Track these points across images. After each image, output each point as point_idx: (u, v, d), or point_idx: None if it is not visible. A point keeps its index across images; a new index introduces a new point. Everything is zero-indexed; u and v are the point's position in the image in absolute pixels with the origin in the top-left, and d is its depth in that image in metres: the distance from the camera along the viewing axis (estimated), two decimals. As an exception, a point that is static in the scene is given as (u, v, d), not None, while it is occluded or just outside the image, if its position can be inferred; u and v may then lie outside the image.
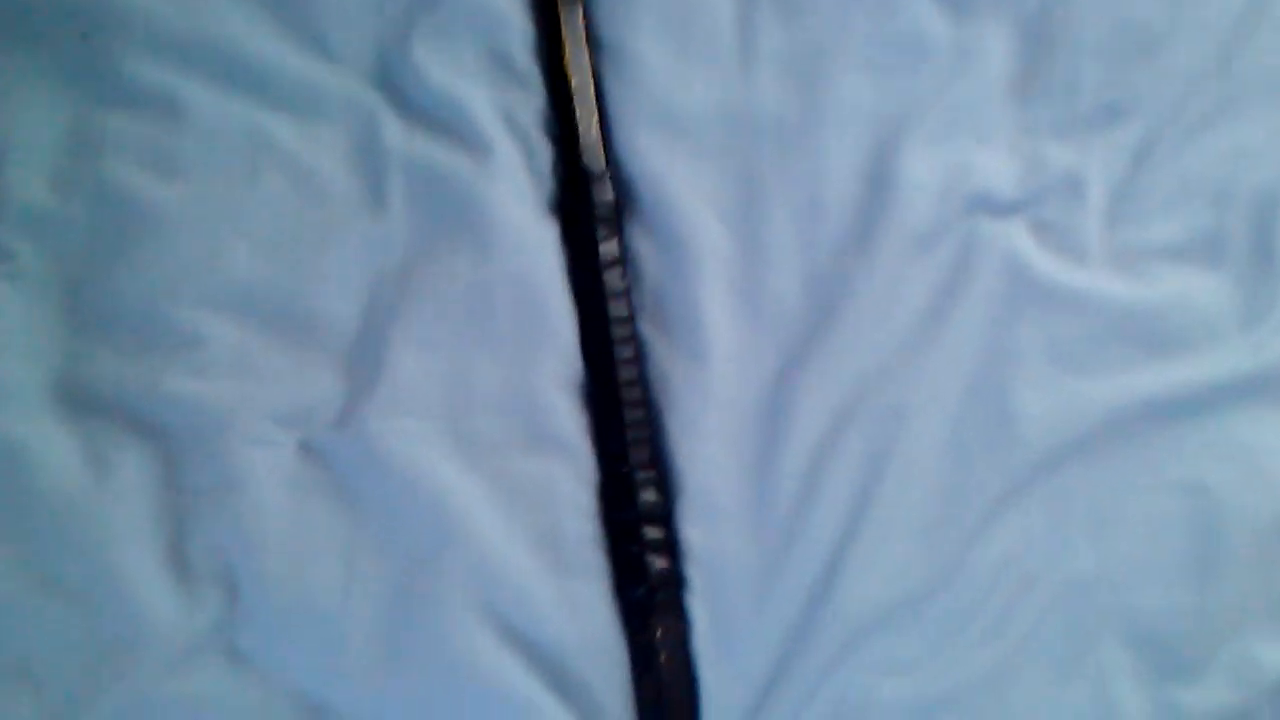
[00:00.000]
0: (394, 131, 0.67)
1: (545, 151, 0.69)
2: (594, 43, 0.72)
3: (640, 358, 0.67)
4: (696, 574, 0.64)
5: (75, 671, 0.56)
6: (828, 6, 0.73)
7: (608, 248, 0.68)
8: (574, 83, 0.70)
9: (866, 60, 0.73)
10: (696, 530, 0.64)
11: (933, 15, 0.74)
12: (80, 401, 0.60)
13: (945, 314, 0.68)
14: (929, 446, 0.66)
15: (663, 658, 0.62)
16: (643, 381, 0.66)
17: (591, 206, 0.68)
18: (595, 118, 0.70)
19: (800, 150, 0.70)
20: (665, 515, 0.65)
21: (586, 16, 0.72)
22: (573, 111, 0.70)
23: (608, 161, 0.69)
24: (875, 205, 0.69)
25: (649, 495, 0.64)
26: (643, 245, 0.69)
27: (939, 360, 0.67)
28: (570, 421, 0.65)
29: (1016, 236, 0.70)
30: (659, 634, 0.63)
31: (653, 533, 0.64)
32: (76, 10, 0.65)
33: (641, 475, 0.64)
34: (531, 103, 0.70)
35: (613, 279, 0.67)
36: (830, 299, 0.67)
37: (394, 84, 0.69)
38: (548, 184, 0.69)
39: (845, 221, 0.69)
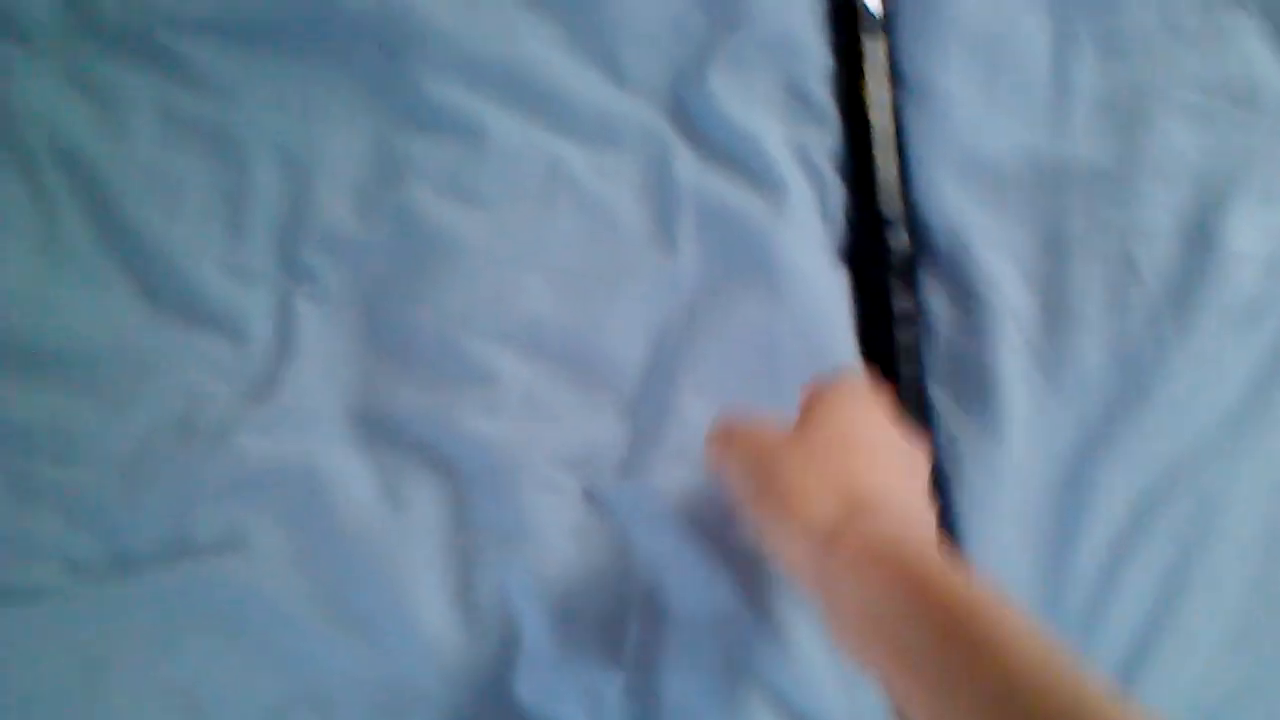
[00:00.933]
0: (686, 164, 0.65)
1: (839, 193, 0.66)
2: (896, 78, 0.68)
3: (928, 422, 0.63)
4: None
5: (365, 707, 0.57)
6: (1154, 46, 0.68)
7: (901, 301, 0.65)
8: (873, 121, 0.67)
9: (1192, 107, 0.67)
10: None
11: (1267, 59, 0.68)
12: (377, 429, 0.60)
13: (1269, 397, 0.62)
14: (1242, 543, 0.61)
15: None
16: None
17: (886, 255, 0.65)
18: (894, 159, 0.66)
19: (1114, 204, 0.65)
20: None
21: (890, 50, 0.68)
22: (870, 152, 0.66)
23: (905, 207, 0.66)
24: (1195, 270, 0.64)
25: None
26: (937, 301, 0.65)
27: (1258, 449, 0.62)
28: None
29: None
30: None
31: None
32: (379, 28, 0.65)
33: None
34: (826, 141, 0.67)
35: (904, 335, 0.64)
36: (1141, 372, 0.62)
37: (688, 114, 0.67)
38: (840, 228, 0.66)
39: (1161, 286, 0.64)
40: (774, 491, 0.47)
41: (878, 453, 0.49)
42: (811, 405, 0.51)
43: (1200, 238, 0.65)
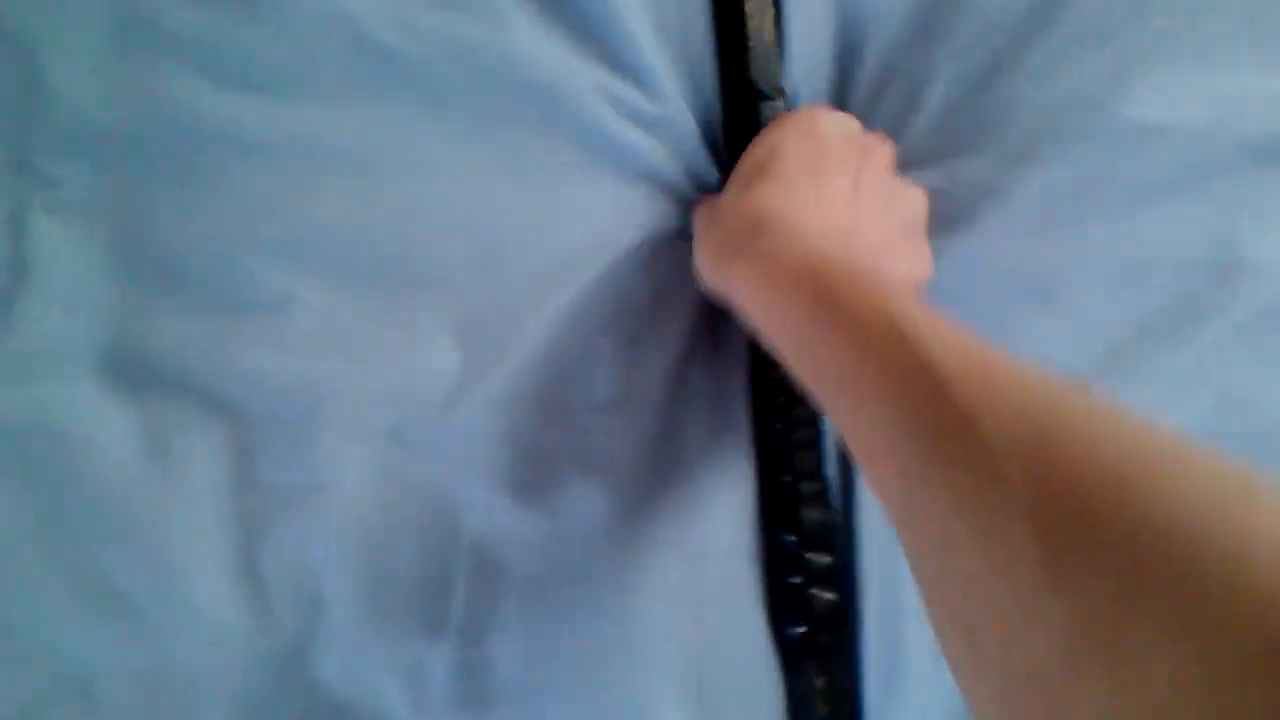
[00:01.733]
0: (520, 30, 0.53)
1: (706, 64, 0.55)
2: None
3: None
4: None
5: (137, 699, 0.48)
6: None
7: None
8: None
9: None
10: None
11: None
12: (136, 371, 0.49)
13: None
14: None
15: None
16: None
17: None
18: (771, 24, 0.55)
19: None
20: (829, 536, 0.54)
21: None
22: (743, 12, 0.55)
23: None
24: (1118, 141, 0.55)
25: (814, 513, 0.54)
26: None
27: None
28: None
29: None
30: (821, 683, 0.53)
31: (819, 559, 0.54)
32: None
33: (807, 488, 0.53)
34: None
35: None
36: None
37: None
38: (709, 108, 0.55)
39: (1076, 165, 0.55)
40: (704, 218, 0.49)
41: (802, 176, 0.47)
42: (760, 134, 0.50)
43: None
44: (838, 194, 0.47)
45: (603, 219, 0.54)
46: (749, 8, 0.54)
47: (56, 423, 0.48)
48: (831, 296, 0.39)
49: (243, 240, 0.50)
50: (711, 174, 0.55)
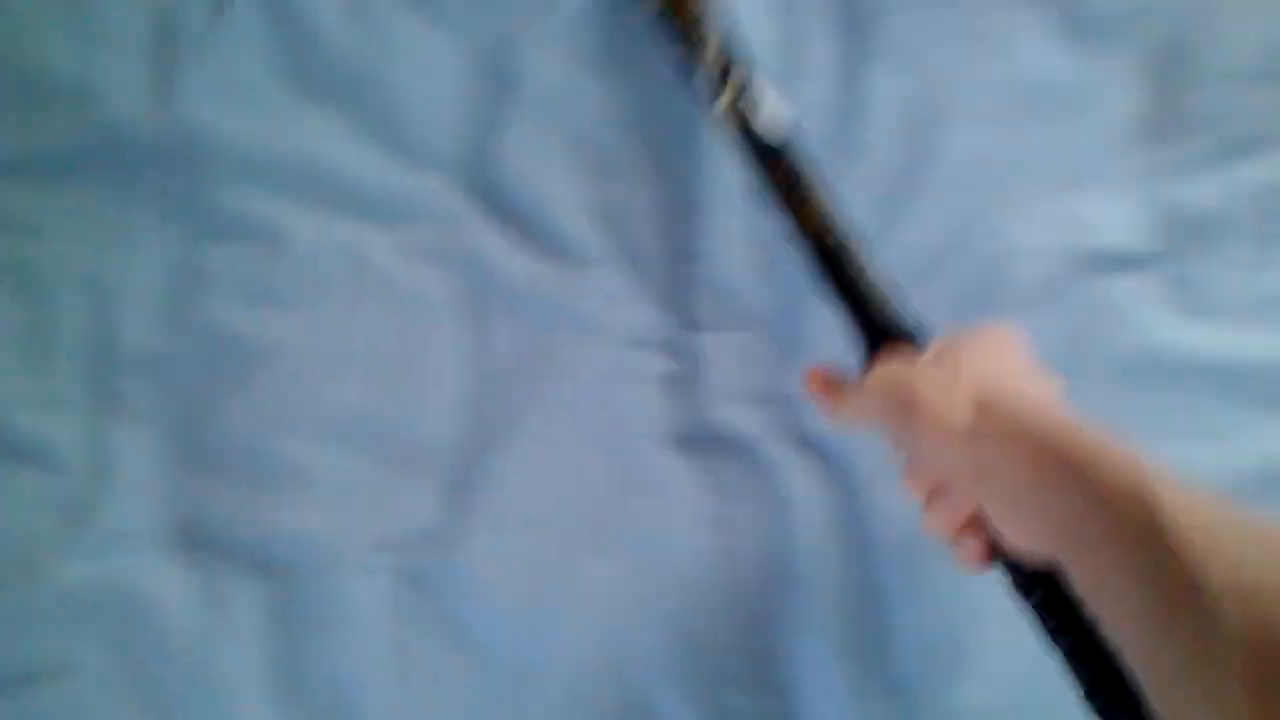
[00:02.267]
0: (486, 237, 0.67)
1: (651, 244, 0.67)
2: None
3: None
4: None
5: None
6: (940, 55, 0.68)
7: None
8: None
9: (980, 111, 0.68)
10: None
11: (1051, 54, 0.68)
12: (196, 539, 0.62)
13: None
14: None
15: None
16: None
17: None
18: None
19: (904, 223, 0.66)
20: None
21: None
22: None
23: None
24: (989, 265, 0.65)
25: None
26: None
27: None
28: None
29: (1145, 294, 0.64)
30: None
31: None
32: (172, 148, 0.67)
33: None
34: (634, 193, 0.68)
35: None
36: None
37: (483, 183, 0.68)
38: (656, 284, 0.67)
39: (957, 285, 0.65)
40: (915, 409, 0.49)
41: (1000, 360, 0.51)
42: (945, 342, 0.53)
43: (990, 233, 0.65)
44: (1018, 367, 0.51)
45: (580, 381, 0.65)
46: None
47: (132, 585, 0.60)
48: (1076, 459, 0.42)
49: (274, 426, 0.63)
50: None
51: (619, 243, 0.66)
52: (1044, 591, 0.49)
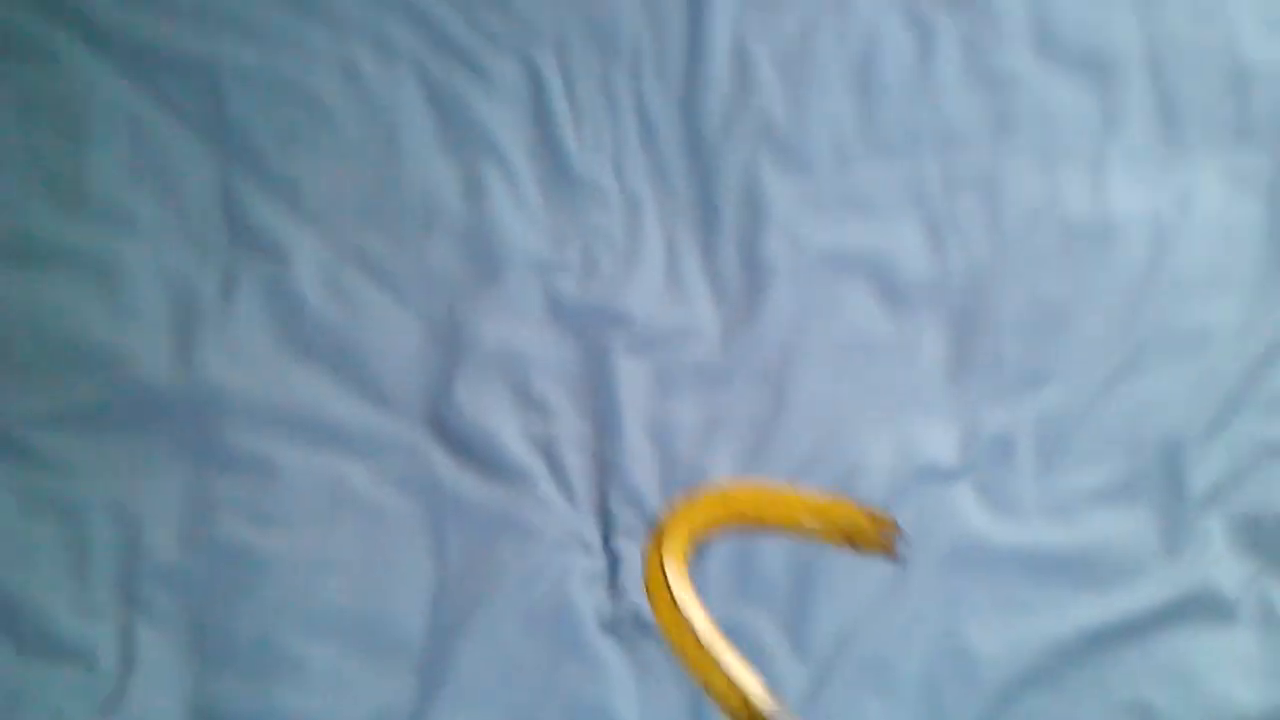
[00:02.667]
0: (444, 466, 0.83)
1: (585, 472, 0.84)
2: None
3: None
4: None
5: None
6: (792, 319, 0.89)
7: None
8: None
9: (824, 360, 0.88)
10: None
11: (876, 314, 0.90)
12: (210, 723, 0.75)
13: (906, 574, 0.80)
14: (906, 691, 0.78)
15: None
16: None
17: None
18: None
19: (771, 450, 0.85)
20: None
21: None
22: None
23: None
24: (842, 479, 0.83)
25: None
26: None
27: (906, 614, 0.79)
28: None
29: (961, 499, 0.83)
30: None
31: None
32: (189, 399, 0.83)
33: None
34: (566, 430, 0.85)
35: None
36: (809, 563, 0.80)
37: (442, 424, 0.85)
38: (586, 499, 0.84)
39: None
40: None
41: None
42: None
43: (842, 460, 0.85)
44: None
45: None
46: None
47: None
48: None
49: (274, 624, 0.77)
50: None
51: (551, 466, 0.84)
52: None
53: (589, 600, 0.80)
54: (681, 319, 0.89)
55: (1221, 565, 0.81)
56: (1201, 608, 0.79)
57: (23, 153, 0.93)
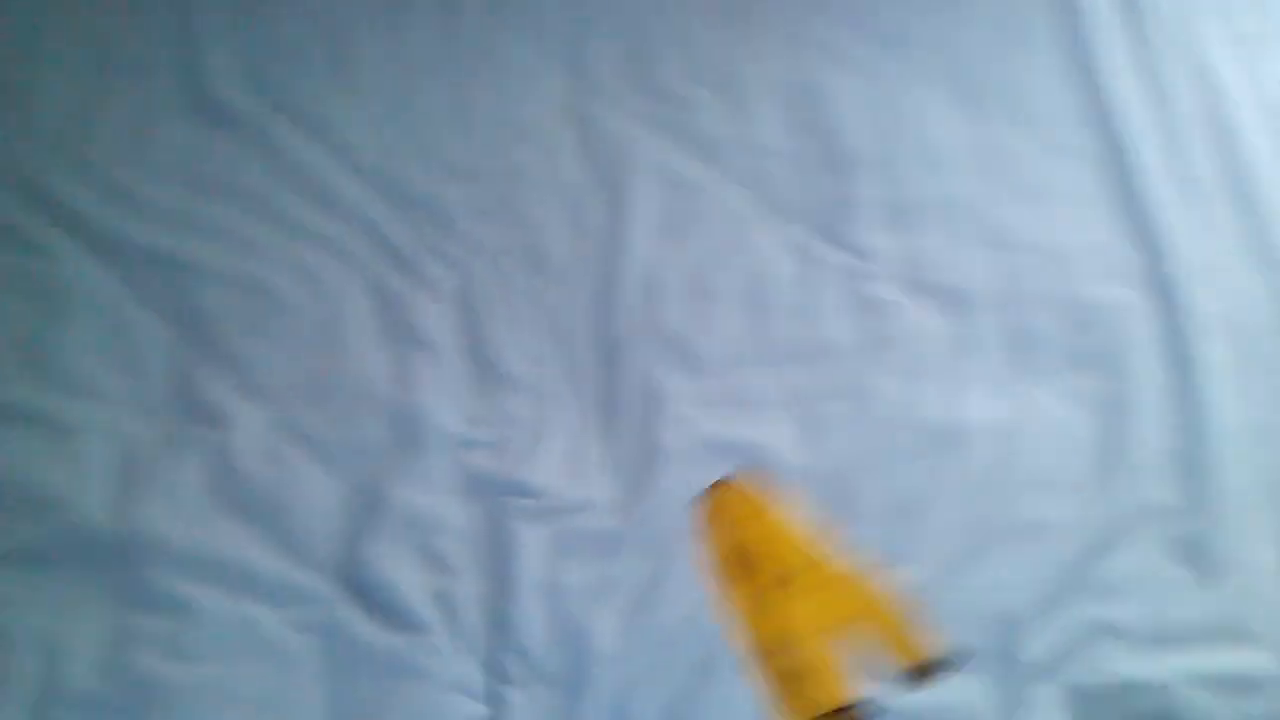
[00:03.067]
0: (351, 615, 0.91)
1: (476, 624, 0.92)
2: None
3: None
4: None
5: None
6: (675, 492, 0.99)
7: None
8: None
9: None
10: None
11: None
12: None
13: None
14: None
15: None
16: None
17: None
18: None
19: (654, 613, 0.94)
20: None
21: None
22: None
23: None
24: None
25: None
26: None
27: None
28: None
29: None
30: None
31: None
32: (117, 541, 0.92)
33: None
34: (463, 586, 0.94)
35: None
36: None
37: (352, 578, 0.93)
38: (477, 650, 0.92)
39: None
40: None
41: None
42: None
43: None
44: None
45: None
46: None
47: None
48: None
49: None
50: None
51: (450, 619, 0.92)
52: None
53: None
54: (579, 493, 0.99)
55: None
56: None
57: (7, 330, 1.05)
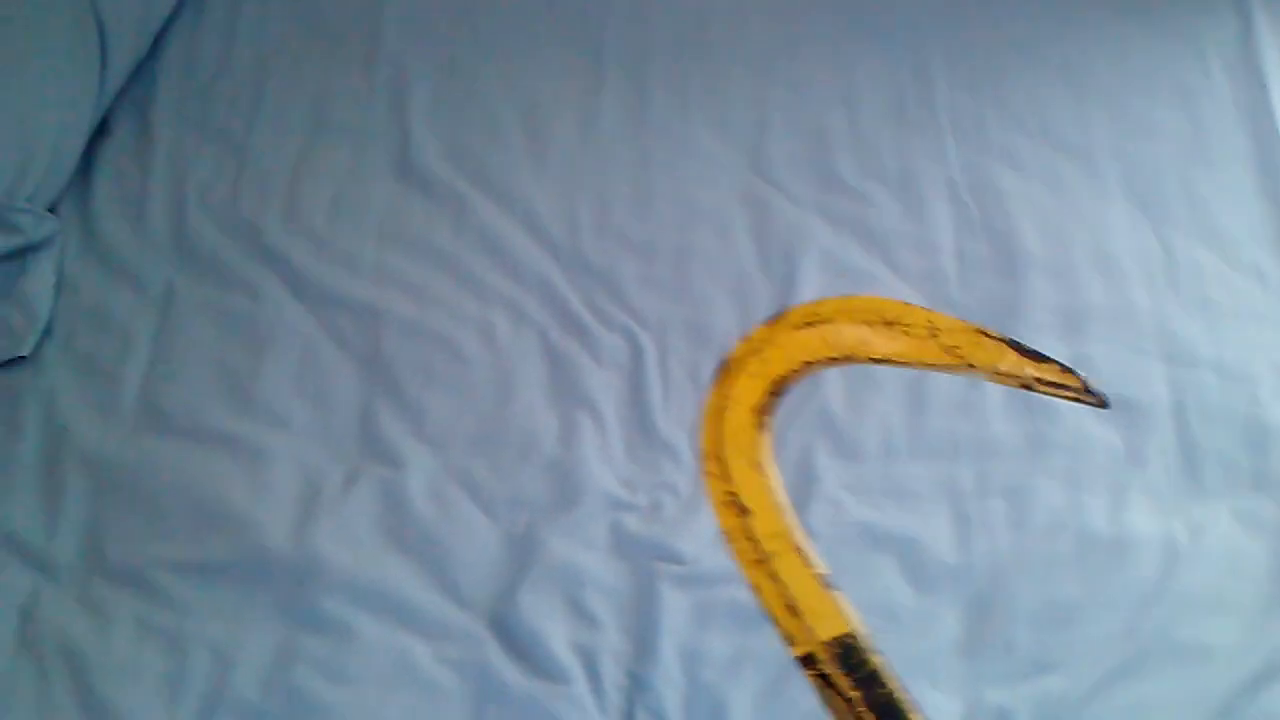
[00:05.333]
0: (500, 659, 0.95)
1: (616, 679, 0.94)
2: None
3: None
4: None
5: None
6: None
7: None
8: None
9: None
10: None
11: (901, 588, 1.00)
12: None
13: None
14: None
15: None
16: None
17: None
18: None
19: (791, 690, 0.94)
20: None
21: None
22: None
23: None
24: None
25: None
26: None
27: None
28: None
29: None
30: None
31: None
32: (293, 565, 0.98)
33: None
34: (606, 640, 0.96)
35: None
36: None
37: (503, 624, 0.97)
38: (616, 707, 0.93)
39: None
40: None
41: None
42: None
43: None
44: None
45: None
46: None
47: None
48: None
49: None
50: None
51: (592, 673, 0.94)
52: None
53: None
54: (725, 564, 1.00)
55: None
56: None
57: (213, 360, 1.14)
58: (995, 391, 1.12)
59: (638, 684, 0.94)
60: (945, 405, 1.11)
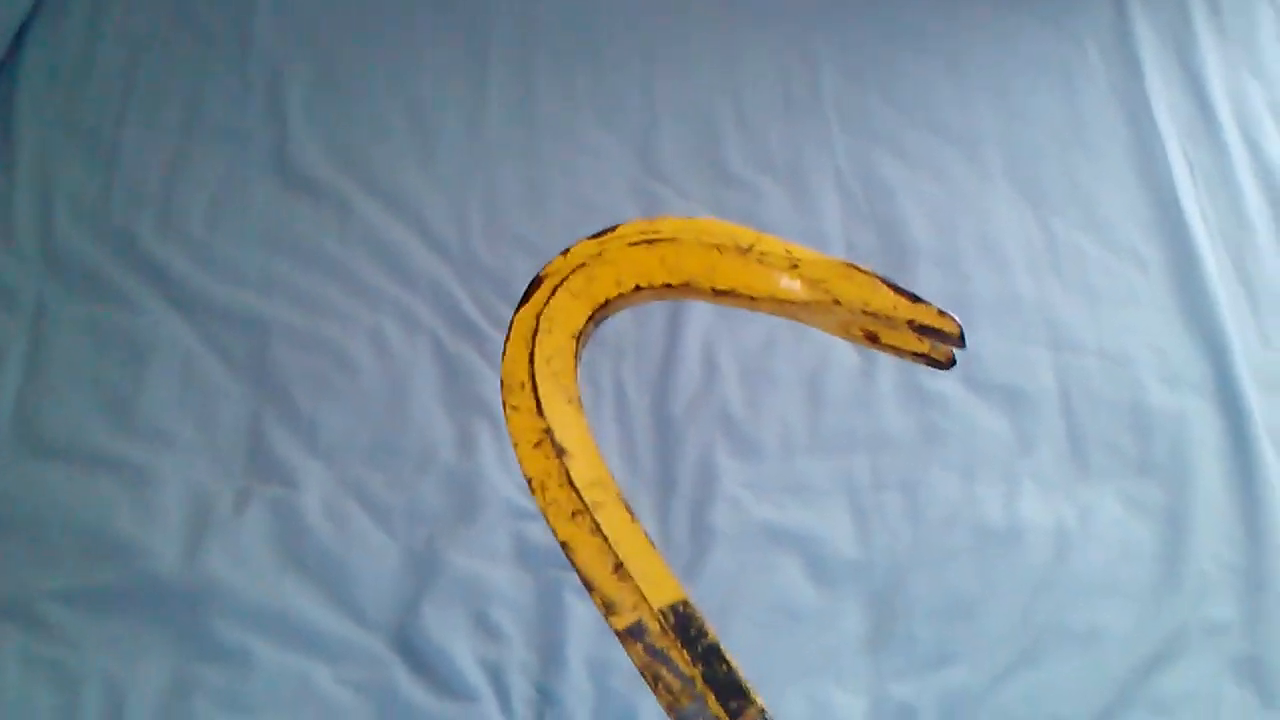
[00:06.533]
0: (403, 678, 0.93)
1: (524, 694, 0.93)
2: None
3: None
4: None
5: None
6: (725, 575, 1.00)
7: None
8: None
9: (753, 619, 0.98)
10: None
11: (803, 585, 1.00)
12: None
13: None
14: None
15: None
16: None
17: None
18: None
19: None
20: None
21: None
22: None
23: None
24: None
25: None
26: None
27: None
28: None
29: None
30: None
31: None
32: (184, 587, 0.94)
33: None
34: (513, 656, 0.95)
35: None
36: None
37: (407, 643, 0.95)
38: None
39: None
40: None
41: None
42: None
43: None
44: None
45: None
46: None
47: None
48: None
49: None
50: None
51: (499, 688, 0.93)
52: None
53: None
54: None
55: None
56: None
57: (90, 377, 1.09)
58: (889, 383, 1.13)
59: (546, 697, 0.93)
60: (841, 400, 1.12)
